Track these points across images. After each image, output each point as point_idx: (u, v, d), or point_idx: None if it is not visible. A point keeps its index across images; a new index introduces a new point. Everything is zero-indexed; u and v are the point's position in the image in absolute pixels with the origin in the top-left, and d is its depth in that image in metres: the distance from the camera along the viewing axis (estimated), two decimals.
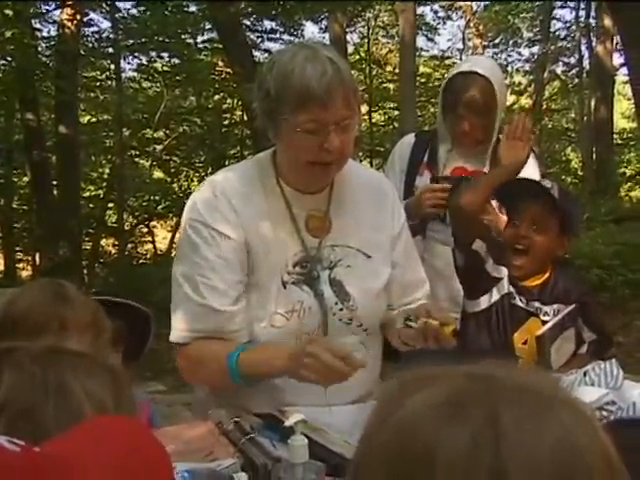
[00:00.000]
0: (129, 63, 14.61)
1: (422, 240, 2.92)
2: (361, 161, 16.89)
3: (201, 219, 2.05)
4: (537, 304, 2.48)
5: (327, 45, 2.22)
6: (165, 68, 14.55)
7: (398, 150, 3.11)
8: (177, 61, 14.08)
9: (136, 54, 13.94)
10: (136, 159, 15.97)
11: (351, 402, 2.03)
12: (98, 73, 14.56)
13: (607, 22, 14.94)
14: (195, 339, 2.05)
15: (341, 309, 2.10)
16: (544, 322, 2.46)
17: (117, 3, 12.79)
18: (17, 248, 14.91)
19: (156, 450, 0.90)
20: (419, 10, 15.96)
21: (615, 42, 15.08)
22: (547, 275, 2.53)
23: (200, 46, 14.80)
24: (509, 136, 2.65)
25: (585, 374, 2.05)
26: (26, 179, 14.12)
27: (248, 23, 14.16)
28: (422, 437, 0.71)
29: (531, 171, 2.77)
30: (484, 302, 2.52)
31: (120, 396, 1.05)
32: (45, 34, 13.00)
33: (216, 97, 15.47)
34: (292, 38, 14.58)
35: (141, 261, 15.25)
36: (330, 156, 1.97)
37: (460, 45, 21.28)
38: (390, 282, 2.21)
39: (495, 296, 2.50)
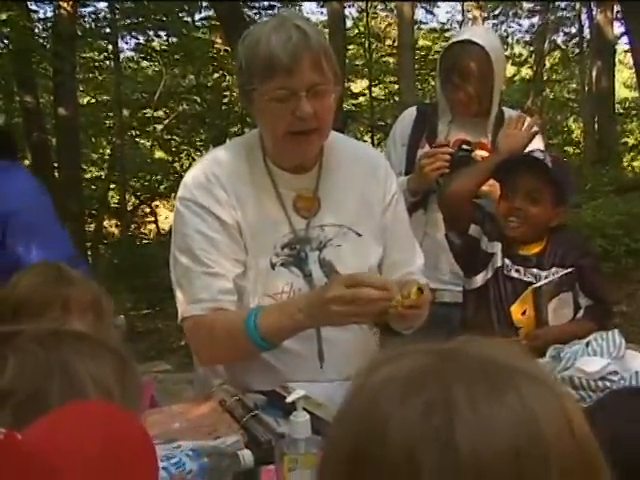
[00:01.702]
0: (127, 43, 14.61)
1: (424, 214, 2.91)
2: (362, 136, 16.84)
3: (194, 199, 2.04)
4: (535, 271, 2.49)
5: (300, 15, 2.18)
6: (163, 47, 14.48)
7: (399, 124, 3.08)
8: (175, 40, 14.01)
9: (133, 33, 13.86)
10: (136, 139, 15.93)
11: (347, 378, 2.02)
12: (96, 54, 14.48)
13: None
14: (202, 310, 2.00)
15: None
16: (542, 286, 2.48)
17: None
18: None
19: (137, 435, 0.90)
20: None
21: (616, 11, 14.96)
22: (545, 243, 2.53)
23: (198, 24, 14.73)
24: (510, 126, 2.66)
25: (587, 344, 2.06)
26: (27, 162, 14.09)
27: None
28: (379, 411, 0.71)
29: (536, 144, 2.77)
30: (480, 279, 2.54)
31: (124, 377, 1.05)
32: (41, 15, 12.92)
33: (215, 75, 15.39)
34: None
35: (144, 241, 15.27)
36: (305, 124, 1.93)
37: (459, 17, 21.13)
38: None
39: (490, 272, 2.51)
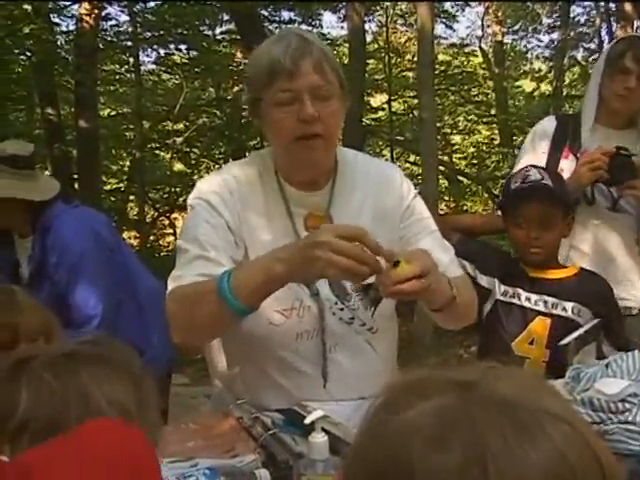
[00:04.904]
0: (148, 56, 14.64)
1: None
2: (381, 150, 16.84)
3: (207, 199, 2.05)
4: (553, 299, 2.47)
5: (303, 29, 2.21)
6: (184, 60, 14.56)
7: (539, 131, 3.06)
8: (195, 53, 14.09)
9: (154, 47, 13.96)
10: (156, 151, 16.01)
11: (352, 399, 1.98)
12: (117, 66, 14.59)
13: (627, 7, 14.78)
14: (181, 283, 1.93)
15: (341, 309, 2.06)
16: (557, 316, 2.46)
17: None
18: None
19: (141, 452, 0.90)
20: None
21: (636, 27, 14.90)
22: (569, 272, 2.53)
23: (218, 37, 14.81)
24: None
25: (607, 366, 2.05)
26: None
27: (266, 14, 14.12)
28: (407, 458, 0.70)
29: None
30: (485, 311, 2.53)
31: (141, 396, 1.05)
32: (64, 29, 13.04)
33: (235, 89, 15.46)
34: (310, 28, 14.54)
35: (163, 253, 15.32)
36: (309, 127, 1.93)
37: (479, 32, 21.13)
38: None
39: (488, 306, 2.51)
